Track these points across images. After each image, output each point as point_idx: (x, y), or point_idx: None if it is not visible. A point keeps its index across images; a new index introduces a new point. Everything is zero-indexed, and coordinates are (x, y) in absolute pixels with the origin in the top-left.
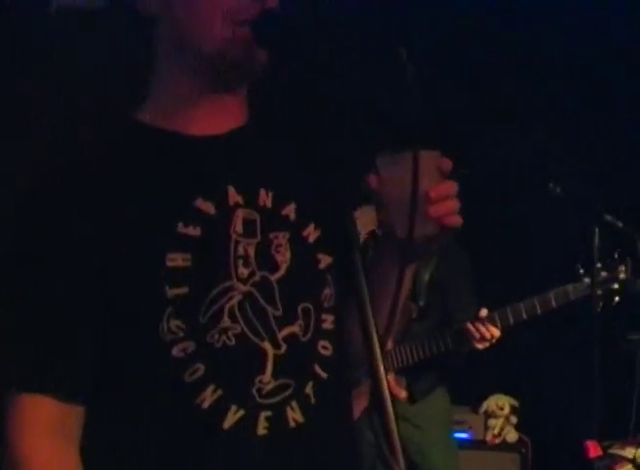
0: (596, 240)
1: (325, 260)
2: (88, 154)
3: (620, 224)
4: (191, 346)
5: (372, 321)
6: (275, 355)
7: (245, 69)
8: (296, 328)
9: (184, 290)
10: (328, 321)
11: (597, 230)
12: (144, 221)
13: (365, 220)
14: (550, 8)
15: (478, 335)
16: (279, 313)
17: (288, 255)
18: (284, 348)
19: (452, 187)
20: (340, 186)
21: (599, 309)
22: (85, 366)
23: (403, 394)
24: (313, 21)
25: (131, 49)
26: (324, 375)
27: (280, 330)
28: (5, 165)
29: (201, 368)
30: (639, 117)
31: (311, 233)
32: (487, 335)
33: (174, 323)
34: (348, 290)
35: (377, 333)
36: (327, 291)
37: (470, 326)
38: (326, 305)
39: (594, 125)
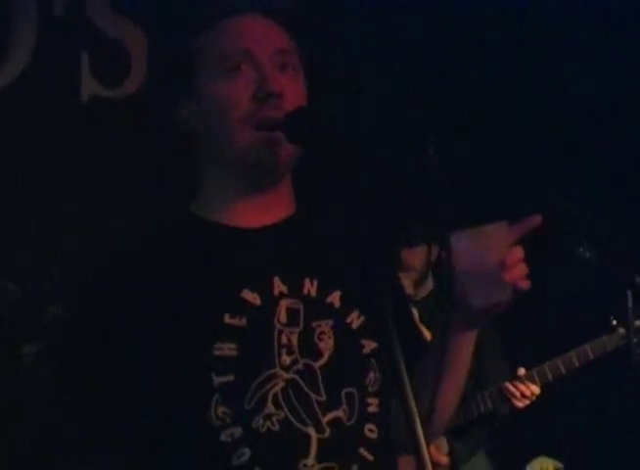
0: (629, 302)
1: (369, 345)
2: (146, 243)
3: None
4: (237, 431)
5: (414, 406)
6: (319, 440)
7: (269, 168)
8: (340, 413)
9: (230, 378)
10: (373, 405)
11: (629, 293)
12: (193, 311)
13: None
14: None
15: (518, 393)
16: (322, 399)
17: (331, 342)
18: (328, 432)
19: (521, 252)
20: (383, 270)
21: (638, 357)
22: (135, 453)
23: (445, 460)
24: (340, 117)
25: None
26: (370, 458)
27: (324, 415)
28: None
29: (246, 453)
30: None
31: (355, 319)
32: (527, 392)
33: (221, 410)
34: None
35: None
36: (372, 375)
37: (509, 386)
38: (371, 389)
39: (624, 187)
